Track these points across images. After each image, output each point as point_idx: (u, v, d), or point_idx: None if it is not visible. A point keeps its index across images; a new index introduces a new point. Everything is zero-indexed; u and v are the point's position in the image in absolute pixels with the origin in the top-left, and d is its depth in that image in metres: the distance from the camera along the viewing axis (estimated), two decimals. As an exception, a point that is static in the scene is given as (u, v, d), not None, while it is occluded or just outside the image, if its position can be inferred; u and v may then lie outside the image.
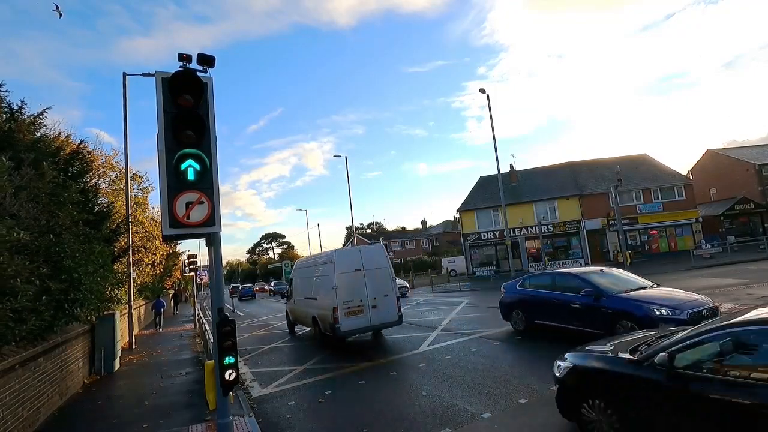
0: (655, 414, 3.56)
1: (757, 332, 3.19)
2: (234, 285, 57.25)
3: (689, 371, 3.36)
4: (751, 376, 3.03)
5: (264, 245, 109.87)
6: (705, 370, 3.29)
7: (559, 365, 4.60)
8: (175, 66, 3.87)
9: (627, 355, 4.03)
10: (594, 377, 4.19)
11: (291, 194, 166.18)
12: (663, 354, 3.53)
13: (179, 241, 25.89)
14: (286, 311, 15.03)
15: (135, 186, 20.39)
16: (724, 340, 3.33)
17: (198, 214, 3.85)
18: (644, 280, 8.85)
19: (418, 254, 62.66)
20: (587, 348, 4.73)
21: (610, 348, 4.45)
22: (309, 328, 12.75)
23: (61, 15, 6.27)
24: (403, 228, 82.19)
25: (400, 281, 20.82)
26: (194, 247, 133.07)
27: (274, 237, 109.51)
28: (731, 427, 3.05)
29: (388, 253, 13.66)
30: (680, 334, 3.83)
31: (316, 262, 12.27)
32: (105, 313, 10.45)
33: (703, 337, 3.48)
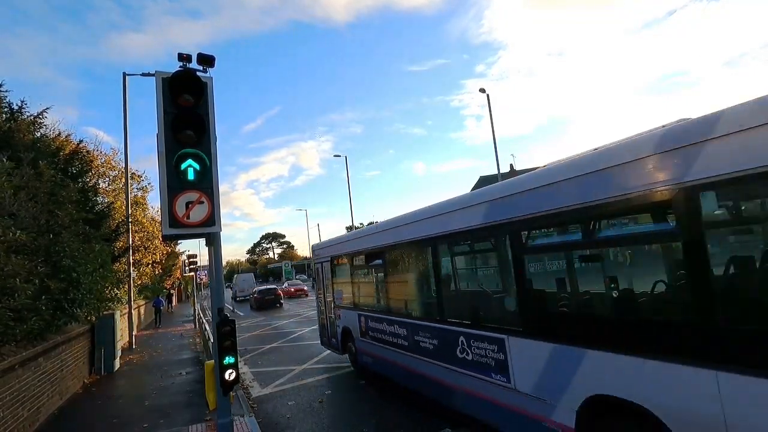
0: None
1: None
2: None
3: None
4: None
5: (264, 245, 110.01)
6: None
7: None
8: (170, 62, 3.87)
9: None
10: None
11: (289, 194, 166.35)
12: None
13: (179, 241, 26.02)
14: (231, 293, 41.30)
15: (134, 185, 20.37)
16: None
17: (198, 213, 3.84)
18: None
19: (418, 254, 62.49)
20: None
21: None
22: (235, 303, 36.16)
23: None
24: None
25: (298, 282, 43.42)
26: (194, 247, 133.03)
27: (274, 237, 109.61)
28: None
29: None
30: None
31: (236, 277, 44.33)
32: (105, 313, 10.45)
33: None
